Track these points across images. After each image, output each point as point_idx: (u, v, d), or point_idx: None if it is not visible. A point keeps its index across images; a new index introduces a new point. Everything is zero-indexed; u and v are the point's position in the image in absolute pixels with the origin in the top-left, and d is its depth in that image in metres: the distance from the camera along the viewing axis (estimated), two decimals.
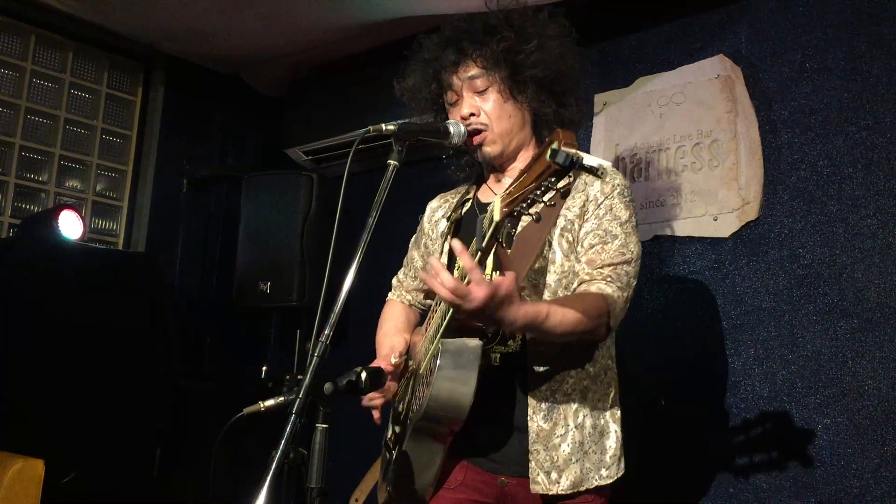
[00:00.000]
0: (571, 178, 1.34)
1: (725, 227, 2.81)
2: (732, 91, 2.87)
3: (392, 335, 2.14)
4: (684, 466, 2.77)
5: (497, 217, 1.43)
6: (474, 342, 1.71)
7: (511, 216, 1.42)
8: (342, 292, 1.63)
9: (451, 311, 1.69)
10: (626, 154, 3.13)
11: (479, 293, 1.46)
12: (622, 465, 1.89)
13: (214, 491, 3.33)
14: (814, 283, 2.60)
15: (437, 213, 2.21)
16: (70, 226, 3.48)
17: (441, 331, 1.72)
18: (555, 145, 1.28)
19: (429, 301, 2.28)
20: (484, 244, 1.50)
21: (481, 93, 1.96)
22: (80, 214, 3.54)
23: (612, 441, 1.88)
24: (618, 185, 1.89)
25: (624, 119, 3.17)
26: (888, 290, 2.44)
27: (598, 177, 1.29)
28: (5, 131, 3.86)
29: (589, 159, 1.28)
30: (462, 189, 2.20)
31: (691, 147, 2.96)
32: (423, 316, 2.28)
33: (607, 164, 1.30)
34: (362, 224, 1.69)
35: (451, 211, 2.13)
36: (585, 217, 1.87)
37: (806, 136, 2.70)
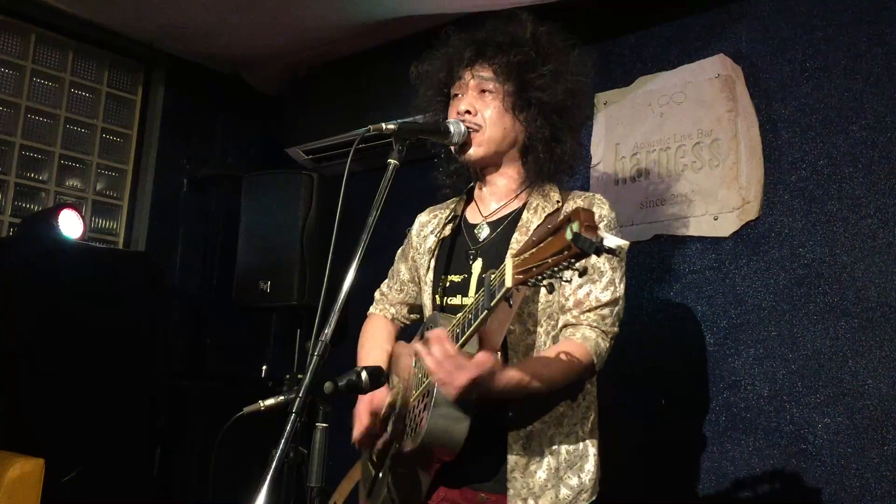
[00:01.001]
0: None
1: (726, 226, 2.81)
2: (733, 90, 2.87)
3: (376, 350, 2.14)
4: (684, 466, 2.77)
5: (509, 283, 1.41)
6: None
7: (524, 284, 1.40)
8: (342, 292, 1.63)
9: None
10: (627, 153, 3.13)
11: (461, 379, 1.55)
12: (597, 488, 1.88)
13: (214, 490, 3.34)
14: (814, 283, 2.60)
15: (426, 227, 2.19)
16: (70, 225, 3.48)
17: None
18: (575, 227, 1.24)
19: (413, 315, 2.27)
20: (492, 304, 1.50)
21: (485, 97, 1.96)
22: (80, 214, 3.55)
23: (591, 465, 1.87)
24: (604, 216, 1.89)
25: (624, 118, 3.17)
26: (888, 289, 2.44)
27: (616, 255, 1.28)
28: (6, 130, 3.86)
29: (609, 241, 1.24)
30: (451, 204, 2.19)
31: (692, 146, 2.96)
32: (404, 331, 2.27)
33: (625, 244, 1.27)
34: (362, 223, 1.69)
35: (440, 227, 2.12)
36: None
37: (806, 135, 2.70)
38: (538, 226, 1.88)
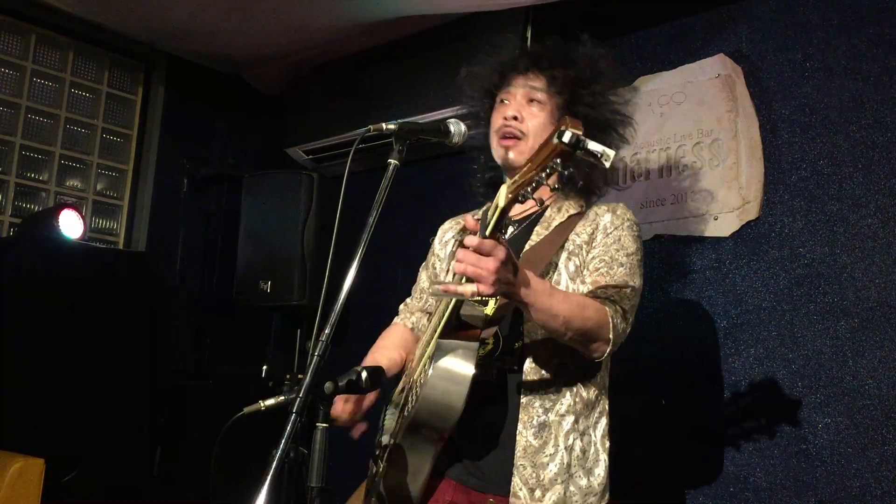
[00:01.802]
0: (572, 168, 1.35)
1: (726, 226, 2.81)
2: (733, 90, 2.87)
3: (379, 350, 2.14)
4: (684, 466, 2.77)
5: (502, 203, 1.43)
6: (471, 343, 1.70)
7: (516, 201, 1.42)
8: (342, 291, 1.63)
9: (448, 311, 1.69)
10: (627, 153, 3.13)
11: (500, 252, 1.49)
12: (607, 496, 1.87)
13: (214, 490, 3.34)
14: (814, 283, 2.60)
15: (447, 234, 2.23)
16: (70, 225, 3.49)
17: (438, 331, 1.72)
18: (561, 128, 1.30)
19: None
20: (488, 232, 1.49)
21: (532, 106, 1.98)
22: (80, 214, 3.55)
23: (601, 470, 1.86)
24: (628, 219, 1.92)
25: None
26: (888, 289, 2.44)
27: (602, 163, 1.30)
28: (6, 130, 3.86)
29: (594, 144, 1.29)
30: (474, 212, 2.22)
31: (692, 146, 2.96)
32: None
33: (611, 153, 1.30)
34: (363, 223, 1.68)
35: (461, 233, 2.16)
36: (593, 244, 1.89)
37: (806, 135, 2.70)
38: (559, 223, 1.91)
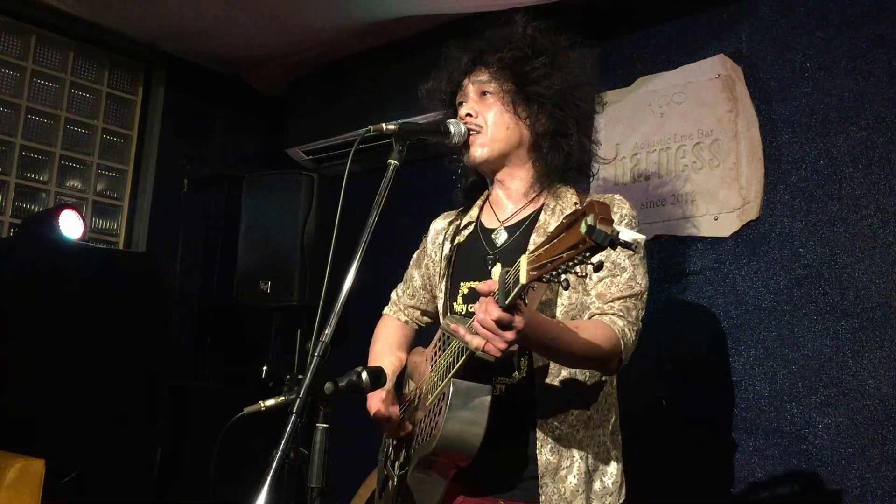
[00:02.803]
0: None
1: (726, 226, 2.81)
2: (733, 91, 2.87)
3: (386, 354, 2.13)
4: (684, 467, 2.77)
5: (524, 280, 1.39)
6: (486, 388, 1.71)
7: (539, 280, 1.38)
8: (343, 292, 1.63)
9: (465, 354, 1.67)
10: (627, 154, 3.13)
11: (519, 323, 1.50)
12: (623, 491, 1.88)
13: (215, 490, 3.33)
14: (814, 283, 2.60)
15: (440, 235, 2.18)
16: (71, 225, 3.49)
17: (454, 371, 1.71)
18: (590, 220, 1.23)
19: (426, 319, 2.27)
20: (507, 302, 1.47)
21: (485, 98, 1.97)
22: (80, 214, 3.55)
23: (613, 468, 1.86)
24: (626, 214, 1.89)
25: (624, 119, 3.17)
26: (889, 289, 2.44)
27: (634, 251, 1.28)
28: (6, 131, 3.86)
29: (625, 234, 1.24)
30: (467, 210, 2.19)
31: (692, 147, 2.96)
32: (418, 333, 2.27)
33: (642, 238, 1.28)
34: (363, 224, 1.68)
35: (455, 234, 2.11)
36: None
37: (806, 135, 2.70)
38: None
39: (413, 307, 2.26)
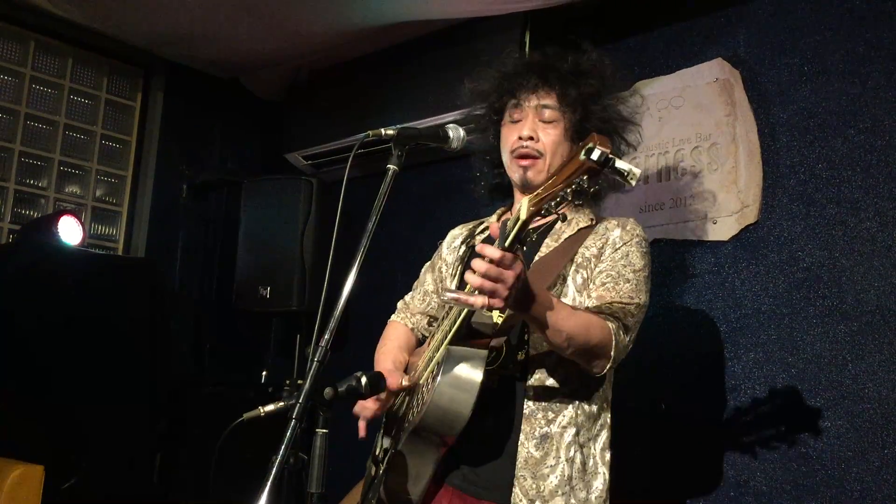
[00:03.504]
0: (599, 185, 1.36)
1: (725, 230, 2.81)
2: (731, 94, 2.87)
3: (395, 352, 2.14)
4: (684, 470, 2.77)
5: (524, 215, 1.42)
6: (481, 351, 1.71)
7: (538, 214, 1.41)
8: (342, 297, 1.63)
9: (461, 318, 1.68)
10: (626, 157, 3.13)
11: (518, 266, 1.50)
12: None
13: (214, 496, 3.33)
14: (813, 286, 2.60)
15: (457, 239, 2.22)
16: (70, 231, 3.49)
17: (449, 337, 1.72)
18: (589, 145, 1.31)
19: (432, 328, 2.28)
20: (507, 243, 1.47)
21: (547, 123, 1.99)
22: (79, 220, 3.56)
23: (600, 483, 1.85)
24: (637, 234, 1.96)
25: None
26: (888, 292, 2.44)
27: (628, 182, 1.30)
28: (5, 137, 3.87)
29: (621, 163, 1.30)
30: (485, 219, 2.23)
31: (690, 150, 2.96)
32: (421, 343, 2.27)
33: (637, 171, 1.32)
34: (362, 229, 1.68)
35: (471, 237, 2.15)
36: (601, 258, 1.90)
37: (805, 139, 2.70)
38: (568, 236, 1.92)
39: (423, 313, 2.26)
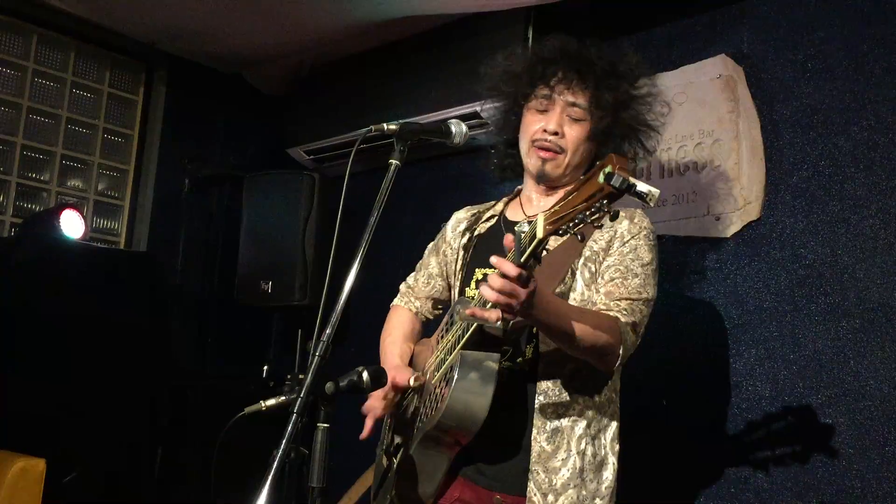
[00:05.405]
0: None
1: (727, 227, 2.81)
2: (734, 91, 2.87)
3: (400, 343, 2.14)
4: (686, 467, 2.77)
5: (540, 234, 1.41)
6: (494, 356, 1.73)
7: (555, 234, 1.41)
8: (344, 292, 1.63)
9: (473, 326, 1.70)
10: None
11: (532, 284, 1.52)
12: (615, 500, 1.88)
13: (216, 490, 3.34)
14: (816, 284, 2.59)
15: (461, 224, 2.20)
16: (72, 225, 3.49)
17: (462, 343, 1.73)
18: (608, 169, 1.29)
19: (437, 311, 2.27)
20: (522, 259, 1.48)
21: (574, 121, 1.97)
22: (81, 214, 3.55)
23: (610, 473, 1.86)
24: (645, 227, 1.93)
25: None
26: (890, 290, 2.44)
27: (648, 203, 1.30)
28: (7, 130, 3.87)
29: (641, 185, 1.29)
30: (490, 203, 2.21)
31: (693, 147, 2.96)
32: (426, 326, 2.27)
33: (657, 192, 1.31)
34: (364, 223, 1.68)
35: (475, 223, 2.14)
36: (609, 252, 1.90)
37: (808, 136, 2.70)
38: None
39: (427, 297, 2.26)
